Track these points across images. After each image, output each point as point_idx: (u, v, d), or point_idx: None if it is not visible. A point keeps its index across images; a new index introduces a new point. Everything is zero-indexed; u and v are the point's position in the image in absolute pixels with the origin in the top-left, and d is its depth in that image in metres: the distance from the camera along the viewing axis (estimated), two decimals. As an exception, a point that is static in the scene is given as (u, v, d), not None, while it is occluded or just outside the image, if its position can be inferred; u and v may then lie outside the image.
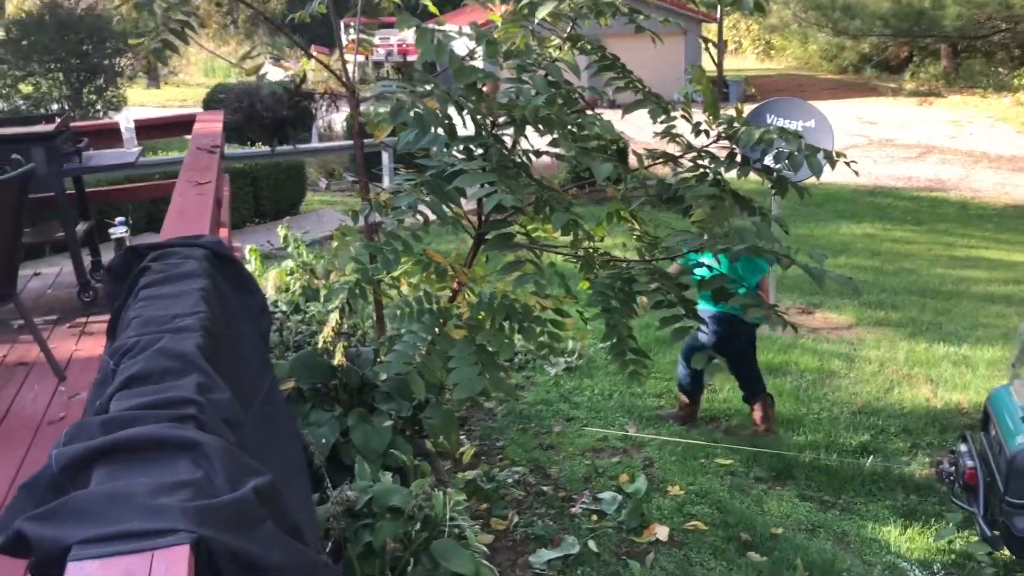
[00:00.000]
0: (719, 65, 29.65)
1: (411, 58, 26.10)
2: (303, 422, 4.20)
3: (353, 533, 3.56)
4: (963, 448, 5.44)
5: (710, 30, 31.36)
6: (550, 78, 4.14)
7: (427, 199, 3.82)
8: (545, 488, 5.47)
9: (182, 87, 33.42)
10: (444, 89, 3.87)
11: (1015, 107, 27.73)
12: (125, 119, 6.31)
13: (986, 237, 15.78)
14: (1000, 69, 31.53)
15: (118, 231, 5.90)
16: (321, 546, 3.46)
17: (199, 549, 1.37)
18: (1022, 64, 31.44)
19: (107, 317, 2.81)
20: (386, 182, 13.94)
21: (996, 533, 4.93)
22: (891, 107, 29.36)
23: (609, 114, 4.58)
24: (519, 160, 4.25)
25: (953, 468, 5.44)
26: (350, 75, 5.02)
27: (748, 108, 8.55)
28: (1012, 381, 5.50)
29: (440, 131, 3.81)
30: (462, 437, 5.89)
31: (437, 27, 4.03)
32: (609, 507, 5.25)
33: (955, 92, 30.98)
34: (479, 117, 4.10)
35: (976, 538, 5.31)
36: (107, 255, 5.64)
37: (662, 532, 5.04)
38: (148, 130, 7.05)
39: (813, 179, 4.39)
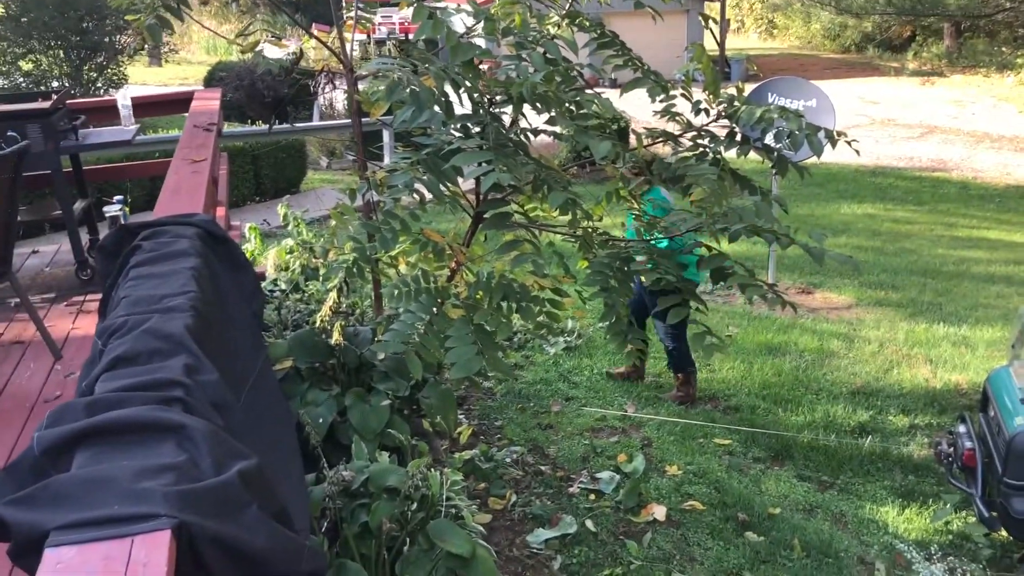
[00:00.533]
0: (721, 44, 29.58)
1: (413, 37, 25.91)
2: (300, 401, 4.18)
3: (350, 513, 3.55)
4: (962, 429, 5.43)
5: (712, 8, 31.23)
6: (548, 55, 4.09)
7: (424, 178, 3.78)
8: (543, 468, 5.47)
9: (184, 65, 33.24)
10: (441, 66, 3.83)
11: (1018, 87, 27.57)
12: (122, 96, 6.28)
13: (987, 217, 15.73)
14: (1003, 48, 31.31)
15: (112, 209, 5.87)
16: (317, 526, 3.45)
17: (181, 534, 1.35)
18: (1025, 43, 31.31)
19: (103, 296, 2.79)
20: (387, 160, 13.87)
21: (994, 514, 4.93)
22: (893, 87, 29.21)
23: (610, 93, 4.53)
24: (517, 138, 4.21)
25: (952, 449, 5.43)
26: (348, 53, 4.98)
27: (749, 87, 8.50)
28: (1012, 362, 5.49)
29: (437, 109, 3.78)
30: (460, 417, 5.89)
31: (435, 4, 3.99)
32: (607, 487, 5.26)
33: (958, 72, 30.82)
34: (476, 95, 4.06)
35: (974, 519, 5.32)
36: (105, 233, 5.62)
37: (660, 512, 5.05)
38: (146, 108, 7.04)
39: (814, 159, 4.35)
